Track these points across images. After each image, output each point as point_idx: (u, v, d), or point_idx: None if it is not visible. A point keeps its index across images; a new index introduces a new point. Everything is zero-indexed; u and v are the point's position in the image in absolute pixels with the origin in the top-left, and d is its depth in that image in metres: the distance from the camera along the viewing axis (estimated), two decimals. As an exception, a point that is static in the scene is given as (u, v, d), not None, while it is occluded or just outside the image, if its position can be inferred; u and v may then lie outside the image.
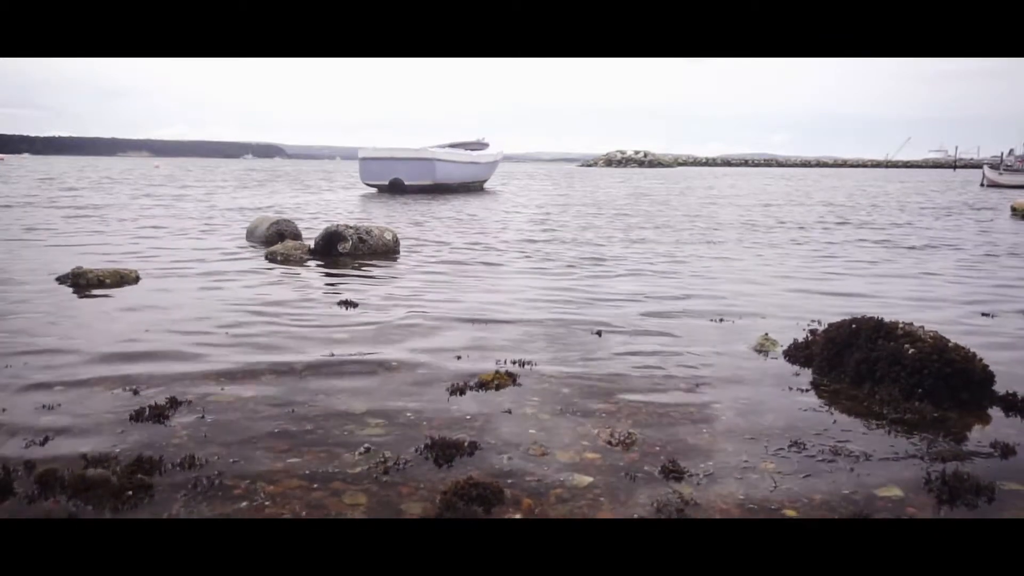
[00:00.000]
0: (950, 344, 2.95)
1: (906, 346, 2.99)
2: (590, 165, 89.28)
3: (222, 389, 2.88)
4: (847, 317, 3.48)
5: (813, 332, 3.90)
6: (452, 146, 22.08)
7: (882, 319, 3.21)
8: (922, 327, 3.13)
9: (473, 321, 4.07)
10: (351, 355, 3.37)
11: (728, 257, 6.57)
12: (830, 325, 3.43)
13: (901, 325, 3.11)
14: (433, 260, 6.48)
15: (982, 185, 29.49)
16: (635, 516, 1.98)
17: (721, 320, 4.19)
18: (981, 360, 2.95)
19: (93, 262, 5.84)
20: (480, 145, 22.26)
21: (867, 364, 3.05)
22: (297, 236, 7.74)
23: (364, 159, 18.69)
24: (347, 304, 4.50)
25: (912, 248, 7.85)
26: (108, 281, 5.11)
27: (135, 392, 2.83)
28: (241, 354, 3.37)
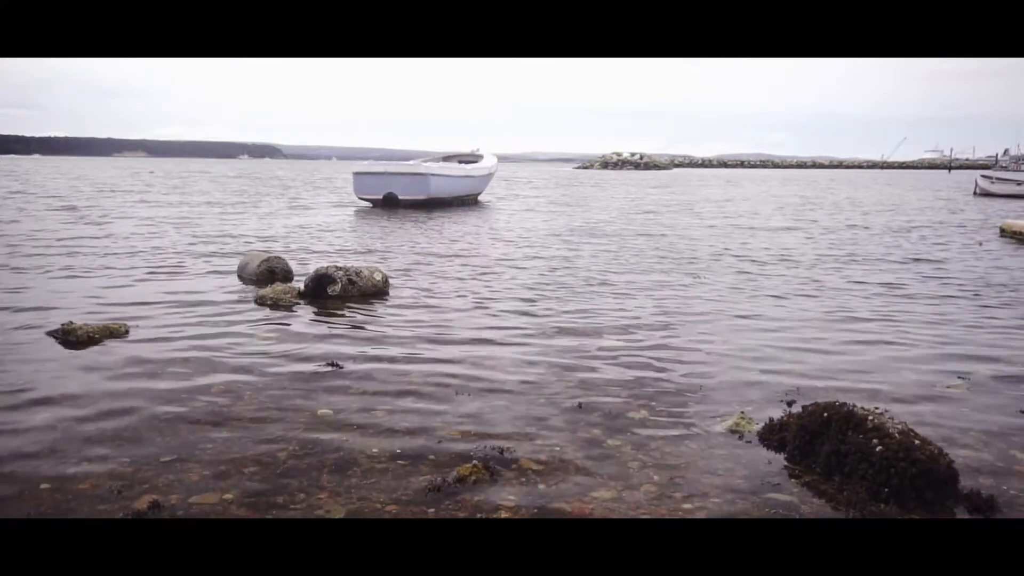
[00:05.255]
0: (916, 442, 3.02)
1: (874, 441, 3.05)
2: (587, 167, 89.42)
3: (201, 486, 2.94)
4: (822, 399, 3.57)
5: (790, 404, 4.00)
6: (446, 159, 22.18)
7: (853, 408, 3.27)
8: (891, 418, 3.20)
9: (457, 391, 4.13)
10: (333, 440, 3.42)
11: (721, 310, 6.60)
12: (804, 409, 3.49)
13: (871, 417, 3.18)
14: (421, 309, 6.53)
15: (975, 194, 29.61)
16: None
17: (701, 388, 4.26)
18: (947, 457, 3.03)
19: (81, 303, 5.90)
20: (474, 157, 22.34)
21: (837, 457, 3.13)
22: (288, 274, 7.80)
23: (358, 173, 18.77)
24: (333, 365, 4.56)
25: (896, 289, 7.94)
26: (98, 337, 5.16)
27: (118, 493, 2.88)
28: (223, 433, 3.43)
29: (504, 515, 2.76)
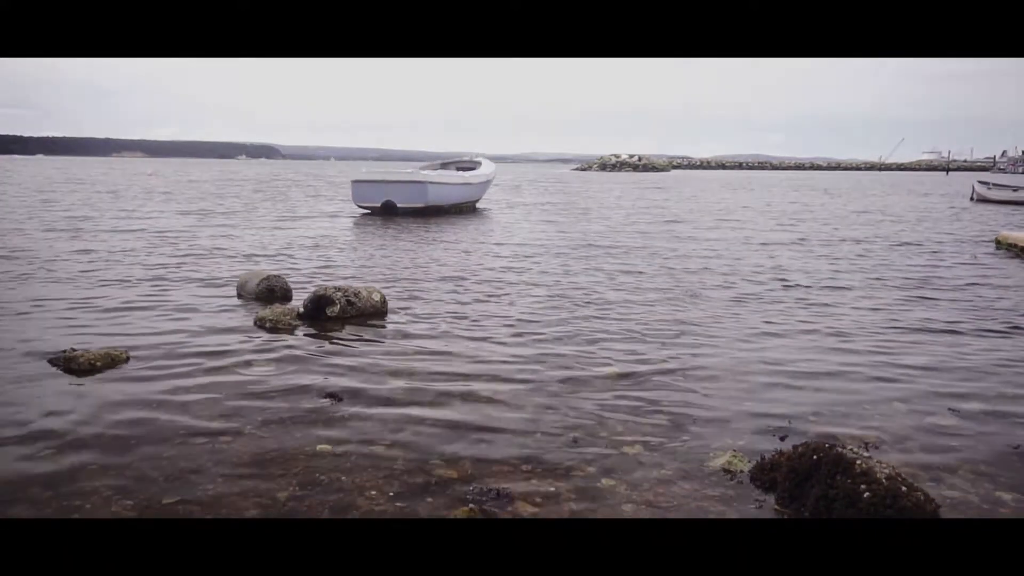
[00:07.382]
0: (903, 488, 3.08)
1: (862, 487, 3.12)
2: (585, 168, 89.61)
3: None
4: (814, 434, 3.63)
5: (782, 438, 4.06)
6: (444, 165, 22.28)
7: (842, 451, 3.33)
8: (879, 462, 3.26)
9: (453, 426, 4.19)
10: (332, 479, 3.48)
11: (719, 338, 6.63)
12: (794, 449, 3.55)
13: (859, 462, 3.24)
14: (418, 336, 6.59)
15: (972, 199, 29.71)
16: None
17: (695, 423, 4.32)
18: (933, 503, 3.09)
19: (79, 325, 5.94)
20: (472, 163, 22.43)
21: (825, 502, 3.19)
22: (287, 292, 7.87)
23: (356, 182, 18.86)
24: (332, 396, 4.62)
25: (893, 318, 7.97)
26: (99, 364, 5.21)
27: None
28: (224, 471, 3.49)
29: (499, 563, 2.82)
